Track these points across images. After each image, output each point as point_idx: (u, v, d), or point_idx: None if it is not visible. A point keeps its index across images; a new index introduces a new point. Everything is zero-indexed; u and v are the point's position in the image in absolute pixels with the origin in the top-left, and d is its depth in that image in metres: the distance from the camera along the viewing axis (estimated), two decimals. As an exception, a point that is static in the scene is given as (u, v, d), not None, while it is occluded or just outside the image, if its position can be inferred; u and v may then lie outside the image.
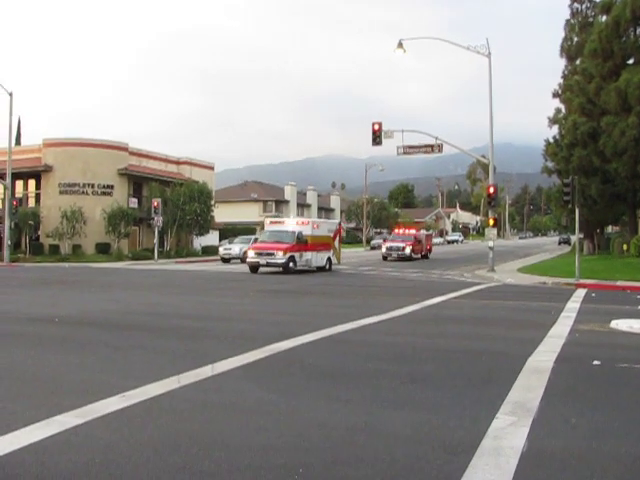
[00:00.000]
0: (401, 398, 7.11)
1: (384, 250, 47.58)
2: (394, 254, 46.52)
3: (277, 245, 32.18)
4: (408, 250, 46.09)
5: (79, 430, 5.79)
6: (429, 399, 7.08)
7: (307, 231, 34.29)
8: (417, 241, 48.49)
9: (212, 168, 62.79)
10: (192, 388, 7.45)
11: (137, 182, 53.52)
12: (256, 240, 39.99)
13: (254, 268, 32.72)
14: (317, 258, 34.79)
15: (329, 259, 35.91)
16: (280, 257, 31.68)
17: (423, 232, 56.36)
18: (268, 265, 32.05)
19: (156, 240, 46.38)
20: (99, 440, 5.54)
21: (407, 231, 51.77)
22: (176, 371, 8.15)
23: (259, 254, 32.22)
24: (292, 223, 35.91)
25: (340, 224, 42.09)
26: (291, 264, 32.06)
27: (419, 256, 48.50)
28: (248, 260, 33.26)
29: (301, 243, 33.01)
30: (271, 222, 37.88)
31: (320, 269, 34.88)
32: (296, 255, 32.55)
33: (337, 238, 37.80)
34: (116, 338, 11.33)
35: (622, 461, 5.20)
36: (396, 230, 55.09)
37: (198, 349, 10.13)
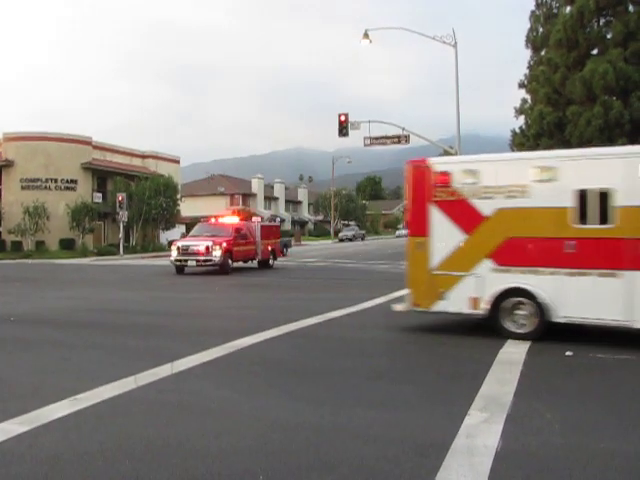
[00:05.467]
0: (368, 396, 6.80)
1: (174, 255, 26.79)
2: (191, 261, 25.98)
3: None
4: (217, 254, 25.84)
5: (23, 438, 5.38)
6: (398, 396, 6.79)
7: None
8: (240, 236, 27.71)
9: (178, 162, 61.86)
10: (149, 388, 7.06)
11: (101, 177, 52.42)
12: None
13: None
14: None
15: None
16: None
17: (258, 221, 31.63)
18: None
19: (121, 235, 45.52)
20: (44, 449, 5.15)
21: (225, 221, 29.59)
22: (133, 371, 7.74)
23: None
24: None
25: None
26: None
27: (254, 263, 29.56)
28: None
29: None
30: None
31: None
32: None
33: None
34: (73, 337, 10.86)
35: (600, 457, 4.97)
36: (211, 219, 30.97)
37: (157, 347, 9.72)
